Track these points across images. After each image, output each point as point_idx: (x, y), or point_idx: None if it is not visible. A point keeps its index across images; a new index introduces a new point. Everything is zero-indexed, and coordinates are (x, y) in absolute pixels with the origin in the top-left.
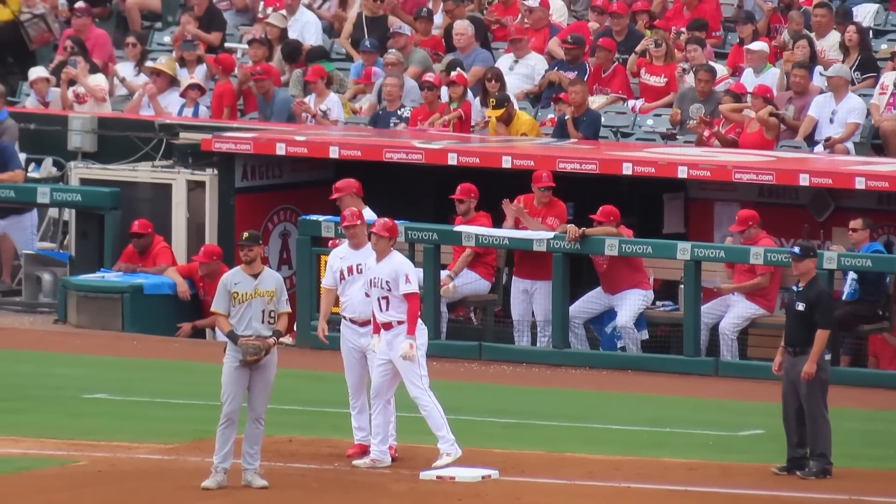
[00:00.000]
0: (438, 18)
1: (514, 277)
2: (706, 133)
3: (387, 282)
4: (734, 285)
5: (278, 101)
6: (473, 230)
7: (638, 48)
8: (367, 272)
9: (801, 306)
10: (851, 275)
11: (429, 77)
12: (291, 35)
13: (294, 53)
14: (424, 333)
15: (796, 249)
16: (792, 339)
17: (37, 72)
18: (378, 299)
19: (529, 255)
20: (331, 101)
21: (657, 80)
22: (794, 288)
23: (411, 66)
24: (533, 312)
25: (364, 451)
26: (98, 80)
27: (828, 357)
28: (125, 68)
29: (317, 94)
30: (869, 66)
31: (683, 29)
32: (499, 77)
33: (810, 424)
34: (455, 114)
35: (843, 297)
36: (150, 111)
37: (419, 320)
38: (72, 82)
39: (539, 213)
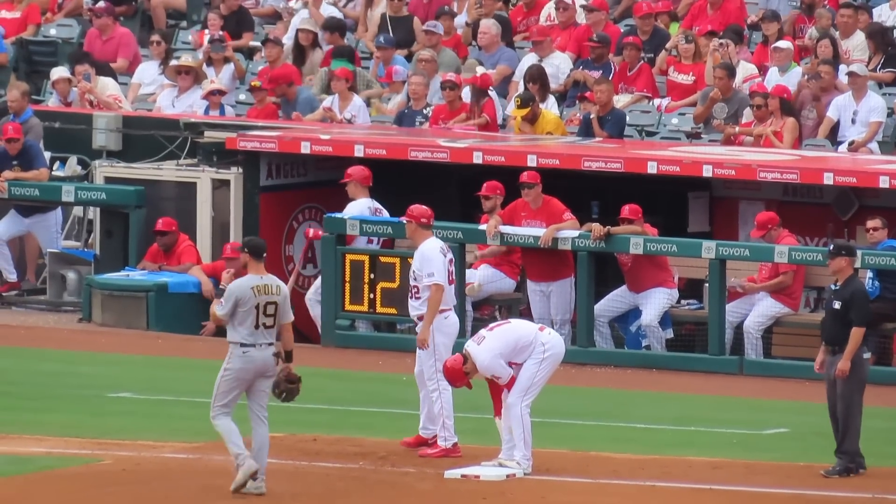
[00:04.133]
0: (460, 18)
1: (528, 280)
2: (735, 132)
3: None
4: (758, 285)
5: (301, 101)
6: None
7: (668, 45)
8: None
9: (837, 304)
10: (869, 273)
11: (450, 76)
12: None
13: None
14: (553, 346)
15: (830, 247)
16: (830, 338)
17: (58, 72)
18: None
19: (538, 257)
20: (355, 106)
21: (685, 78)
22: (832, 287)
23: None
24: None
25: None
26: (108, 86)
27: (867, 355)
28: (150, 67)
29: (340, 98)
30: (893, 64)
31: (710, 29)
32: (537, 78)
33: (843, 421)
34: (480, 119)
35: None
36: (175, 110)
37: (546, 335)
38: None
39: (535, 215)
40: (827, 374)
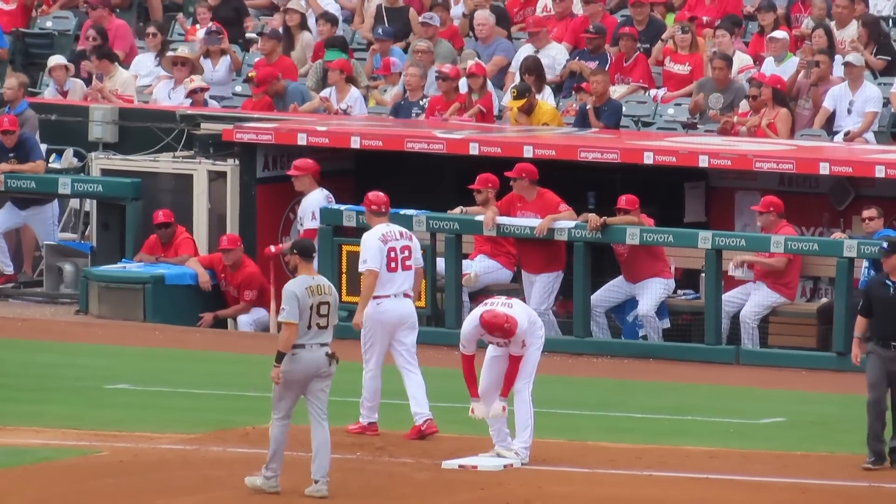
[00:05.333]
0: (457, 9)
1: (522, 271)
2: (733, 121)
3: (505, 342)
4: (754, 259)
5: (291, 92)
6: (503, 220)
7: (664, 35)
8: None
9: None
10: (865, 262)
11: (444, 68)
12: (312, 22)
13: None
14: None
15: (884, 245)
16: (893, 333)
17: (55, 59)
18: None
19: (530, 248)
20: (352, 97)
21: (681, 69)
22: (888, 282)
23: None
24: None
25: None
26: (127, 81)
27: None
28: (146, 59)
29: (337, 90)
30: (885, 53)
31: (706, 18)
32: (533, 69)
33: None
34: (474, 109)
35: (860, 286)
36: (171, 102)
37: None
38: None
39: (530, 206)
40: (882, 367)
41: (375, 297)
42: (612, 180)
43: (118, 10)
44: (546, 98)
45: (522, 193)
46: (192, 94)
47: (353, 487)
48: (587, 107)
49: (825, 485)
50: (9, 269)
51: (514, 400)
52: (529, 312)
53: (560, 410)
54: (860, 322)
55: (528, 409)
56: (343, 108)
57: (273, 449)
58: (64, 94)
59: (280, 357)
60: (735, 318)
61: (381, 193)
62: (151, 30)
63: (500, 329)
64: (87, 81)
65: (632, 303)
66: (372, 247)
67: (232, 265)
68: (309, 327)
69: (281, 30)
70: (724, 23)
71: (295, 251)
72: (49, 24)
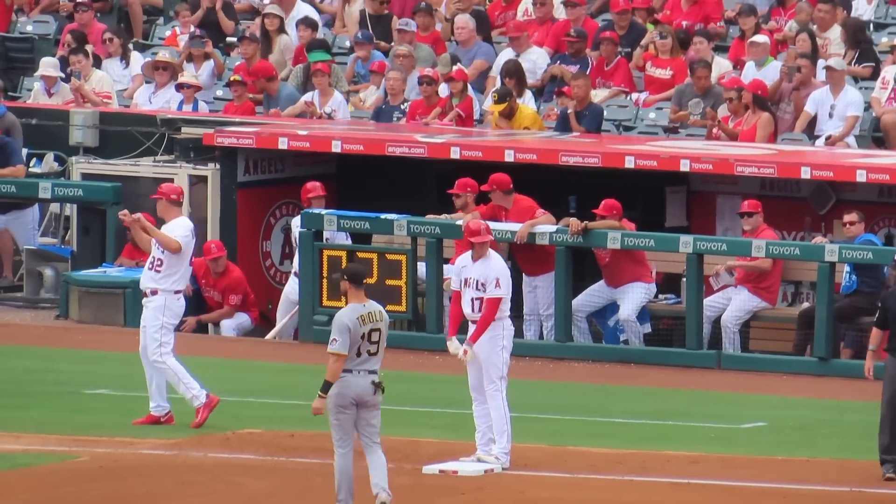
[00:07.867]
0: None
1: (524, 276)
2: (714, 126)
3: (482, 283)
4: (738, 263)
5: (283, 98)
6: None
7: (644, 41)
8: (463, 272)
9: None
10: (847, 267)
11: (427, 72)
12: (288, 28)
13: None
14: (511, 333)
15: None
16: None
17: (48, 62)
18: (472, 300)
19: (527, 252)
20: (335, 101)
21: (662, 73)
22: None
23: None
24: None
25: None
26: (104, 80)
27: None
28: (111, 64)
29: (321, 93)
30: (868, 58)
31: (684, 23)
32: (513, 73)
33: None
34: (453, 113)
35: (842, 290)
36: (152, 106)
37: (508, 320)
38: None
39: (511, 215)
40: (893, 381)
41: (176, 293)
42: (593, 184)
43: (99, 14)
44: (527, 102)
45: (500, 203)
46: (180, 88)
47: (332, 492)
48: (568, 111)
49: (806, 489)
50: None
51: (492, 405)
52: (508, 283)
53: (541, 415)
54: (875, 334)
55: (503, 414)
56: (327, 111)
57: (338, 479)
58: (50, 95)
59: (326, 387)
60: (716, 323)
61: (174, 184)
62: (108, 35)
63: (477, 233)
64: (66, 79)
65: (613, 307)
66: (184, 237)
67: (220, 272)
68: (359, 354)
69: (258, 33)
70: (701, 30)
71: (345, 277)
72: (30, 28)
